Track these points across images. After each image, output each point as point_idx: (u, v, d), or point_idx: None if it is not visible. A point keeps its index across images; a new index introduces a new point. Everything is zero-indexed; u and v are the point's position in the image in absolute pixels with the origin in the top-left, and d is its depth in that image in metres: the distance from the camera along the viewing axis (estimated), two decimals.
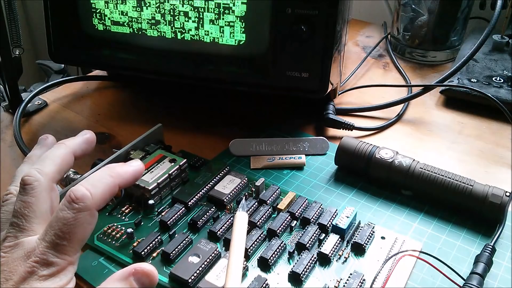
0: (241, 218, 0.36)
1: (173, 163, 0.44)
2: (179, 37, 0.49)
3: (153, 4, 0.48)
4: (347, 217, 0.39)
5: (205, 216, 0.40)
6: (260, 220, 0.39)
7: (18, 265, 0.31)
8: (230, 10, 0.46)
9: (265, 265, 0.36)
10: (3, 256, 0.32)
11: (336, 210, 0.40)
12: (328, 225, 0.39)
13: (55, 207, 0.35)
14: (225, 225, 0.39)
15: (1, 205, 0.36)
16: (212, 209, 0.41)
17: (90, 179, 0.35)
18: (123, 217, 0.41)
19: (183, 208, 0.41)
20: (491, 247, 0.37)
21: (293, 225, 0.40)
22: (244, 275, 0.36)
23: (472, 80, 0.60)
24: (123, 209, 0.41)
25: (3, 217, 0.35)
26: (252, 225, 0.39)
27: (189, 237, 0.38)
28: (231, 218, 0.40)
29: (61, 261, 0.32)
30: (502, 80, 0.59)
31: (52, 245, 0.31)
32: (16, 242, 0.32)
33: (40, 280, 0.31)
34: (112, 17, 0.50)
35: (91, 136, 0.41)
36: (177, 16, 0.48)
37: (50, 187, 0.35)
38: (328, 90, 0.49)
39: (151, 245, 0.37)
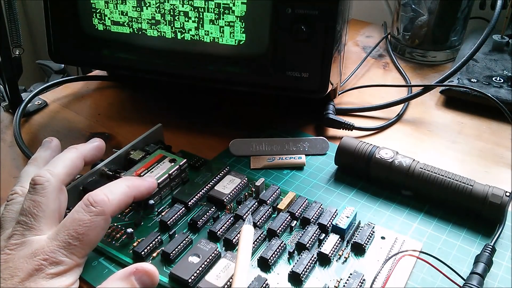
0: (247, 232, 0.36)
1: (173, 163, 0.44)
2: (179, 37, 0.49)
3: (153, 4, 0.48)
4: (347, 217, 0.39)
5: (205, 216, 0.40)
6: (260, 220, 0.39)
7: (24, 263, 0.31)
8: (230, 10, 0.46)
9: (265, 265, 0.36)
10: (8, 253, 0.32)
11: (336, 210, 0.40)
12: (328, 225, 0.39)
13: (63, 209, 0.36)
14: (225, 225, 0.39)
15: (5, 204, 0.36)
16: (212, 209, 0.41)
17: (109, 186, 0.36)
18: (123, 217, 0.41)
19: (183, 208, 0.41)
20: (491, 247, 0.37)
21: (293, 225, 0.40)
22: None
23: (472, 80, 0.60)
24: None
25: (8, 215, 0.35)
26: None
27: (189, 237, 0.38)
28: (231, 218, 0.40)
29: (69, 261, 0.32)
30: (502, 80, 0.59)
31: (64, 244, 0.32)
32: (23, 240, 0.32)
33: (46, 278, 0.31)
34: (112, 17, 0.50)
35: (101, 143, 0.42)
36: (177, 16, 0.48)
37: (60, 188, 0.36)
38: (328, 90, 0.49)
39: (151, 245, 0.37)
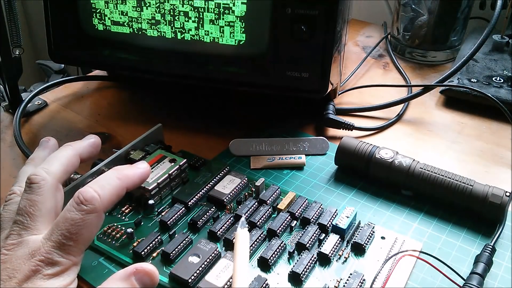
0: (242, 236, 0.35)
1: (173, 163, 0.44)
2: (179, 37, 0.49)
3: (153, 4, 0.48)
4: (347, 217, 0.39)
5: (205, 216, 0.40)
6: (260, 220, 0.39)
7: (22, 263, 0.31)
8: (230, 10, 0.46)
9: (265, 265, 0.36)
10: (5, 254, 0.32)
11: (336, 210, 0.40)
12: (328, 225, 0.39)
13: (59, 207, 0.36)
14: (225, 225, 0.39)
15: (4, 204, 0.36)
16: (212, 209, 0.41)
17: (98, 181, 0.35)
18: (123, 217, 0.41)
19: (183, 208, 0.41)
20: (491, 247, 0.37)
21: (293, 225, 0.40)
22: None
23: (472, 80, 0.60)
24: (123, 209, 0.41)
25: (6, 215, 0.35)
26: (252, 225, 0.39)
27: (189, 237, 0.38)
28: (231, 218, 0.40)
29: (66, 261, 0.32)
30: (502, 80, 0.59)
31: (58, 245, 0.32)
32: (20, 240, 0.32)
33: (44, 279, 0.31)
34: (112, 17, 0.50)
35: (96, 140, 0.42)
36: (177, 16, 0.48)
37: (56, 186, 0.36)
38: (328, 90, 0.49)
39: (151, 245, 0.37)
